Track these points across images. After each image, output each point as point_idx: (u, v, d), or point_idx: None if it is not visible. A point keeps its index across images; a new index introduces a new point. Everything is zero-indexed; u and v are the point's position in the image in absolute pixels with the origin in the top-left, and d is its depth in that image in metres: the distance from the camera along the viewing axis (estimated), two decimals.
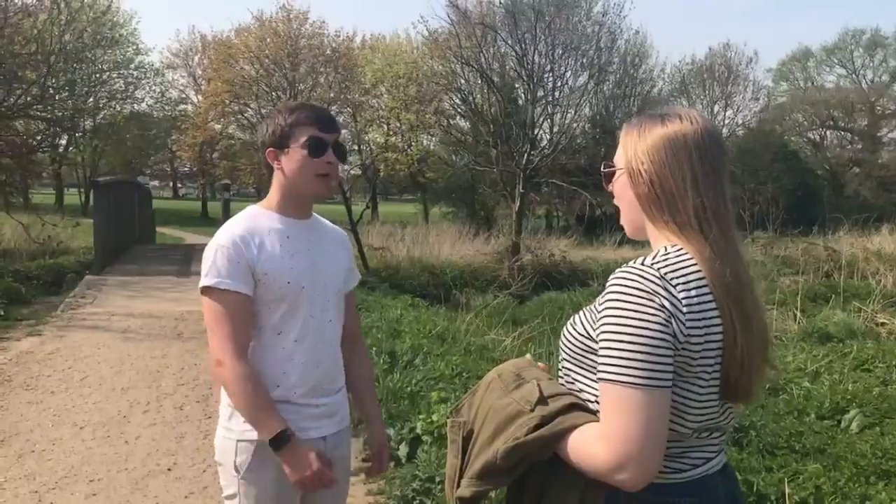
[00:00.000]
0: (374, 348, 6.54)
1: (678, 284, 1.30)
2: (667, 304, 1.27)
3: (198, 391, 5.90)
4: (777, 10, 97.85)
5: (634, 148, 1.44)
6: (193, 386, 6.05)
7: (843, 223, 19.93)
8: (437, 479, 3.80)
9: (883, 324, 9.02)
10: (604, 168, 1.54)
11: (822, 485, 3.72)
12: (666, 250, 1.36)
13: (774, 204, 22.15)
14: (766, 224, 19.50)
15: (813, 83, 44.29)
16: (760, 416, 4.92)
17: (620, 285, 1.30)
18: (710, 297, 1.31)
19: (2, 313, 8.74)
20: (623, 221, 1.52)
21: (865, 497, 3.64)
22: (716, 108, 39.78)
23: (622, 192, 1.49)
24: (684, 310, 1.28)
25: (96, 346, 7.36)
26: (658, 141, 1.41)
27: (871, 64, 42.77)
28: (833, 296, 10.97)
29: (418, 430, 4.48)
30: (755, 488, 3.60)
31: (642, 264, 1.32)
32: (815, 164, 39.47)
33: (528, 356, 1.64)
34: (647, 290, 1.28)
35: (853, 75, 43.26)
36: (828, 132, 42.39)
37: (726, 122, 39.73)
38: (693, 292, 1.30)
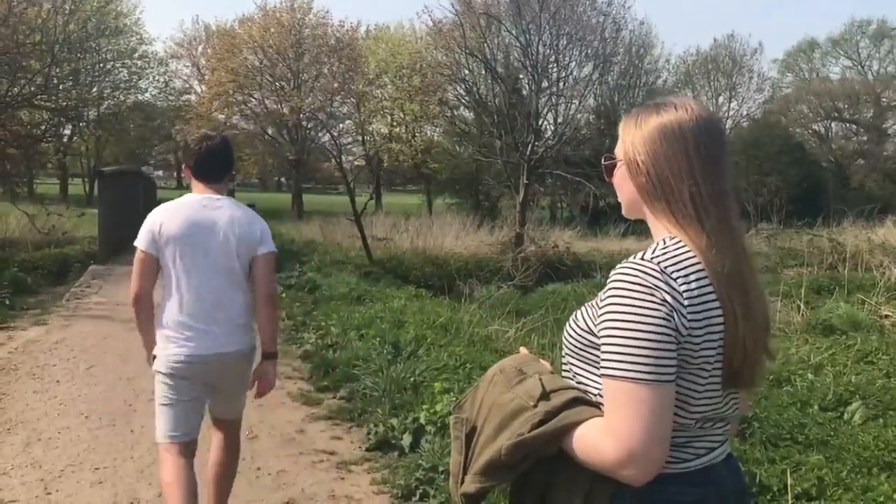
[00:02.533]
0: (378, 338, 6.56)
1: (678, 278, 1.30)
2: (668, 297, 1.28)
3: None
4: (782, 1, 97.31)
5: (632, 139, 1.45)
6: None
7: (847, 215, 19.86)
8: (441, 468, 3.83)
9: (887, 316, 8.99)
10: (604, 160, 1.55)
11: (824, 476, 3.73)
12: (665, 243, 1.37)
13: (779, 196, 22.10)
14: (771, 216, 19.43)
15: (818, 74, 44.06)
16: (763, 408, 4.93)
17: (621, 280, 1.31)
18: (710, 289, 1.32)
19: (7, 303, 8.78)
20: (621, 202, 1.54)
21: (867, 489, 3.65)
22: (720, 99, 39.67)
23: (622, 184, 1.50)
24: (685, 303, 1.29)
25: (102, 336, 7.39)
26: (653, 131, 1.42)
27: (878, 55, 42.45)
28: (837, 288, 10.95)
29: (422, 420, 4.51)
30: (758, 479, 3.61)
31: (642, 259, 1.33)
32: (820, 155, 39.33)
33: (522, 349, 1.65)
34: (649, 284, 1.29)
35: (859, 66, 42.99)
36: (833, 124, 42.19)
37: (731, 113, 39.61)
38: (693, 284, 1.30)
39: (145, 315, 3.05)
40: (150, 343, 3.06)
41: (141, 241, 3.00)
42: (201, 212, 3.01)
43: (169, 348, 2.97)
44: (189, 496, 2.91)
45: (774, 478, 3.65)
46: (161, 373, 2.99)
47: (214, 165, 3.13)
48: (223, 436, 3.26)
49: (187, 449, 3.04)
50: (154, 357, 3.03)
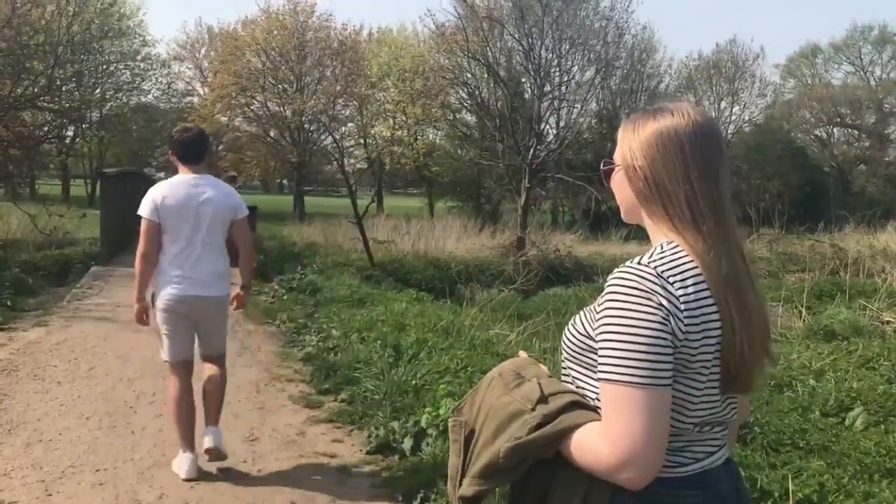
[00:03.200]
0: (379, 341, 6.56)
1: (675, 282, 1.31)
2: (665, 302, 1.28)
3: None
4: (785, 6, 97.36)
5: (629, 144, 1.46)
6: (199, 377, 6.06)
7: (849, 220, 19.87)
8: (442, 472, 3.82)
9: (888, 322, 8.98)
10: (603, 165, 1.56)
11: (825, 482, 3.73)
12: (662, 248, 1.38)
13: (781, 200, 22.12)
14: (773, 221, 19.44)
15: (820, 80, 44.04)
16: (765, 413, 4.92)
17: (618, 285, 1.32)
18: (707, 293, 1.32)
19: (9, 304, 8.77)
20: (620, 206, 1.55)
21: (869, 495, 3.65)
22: (723, 104, 39.65)
23: (620, 188, 1.51)
24: (682, 307, 1.29)
25: (102, 337, 7.39)
26: (650, 136, 1.43)
27: (880, 60, 42.41)
28: (839, 293, 10.94)
29: (423, 424, 4.50)
30: (759, 485, 3.60)
31: (639, 263, 1.34)
32: (822, 160, 39.33)
33: (522, 353, 1.66)
34: (645, 289, 1.29)
35: (861, 72, 42.97)
36: (835, 129, 42.19)
37: (733, 118, 39.62)
38: (690, 289, 1.31)
39: (148, 268, 3.91)
40: (144, 288, 3.96)
41: (146, 212, 3.87)
42: (192, 189, 3.94)
43: (167, 290, 3.91)
44: (188, 409, 4.02)
45: (776, 483, 3.64)
46: (161, 309, 3.94)
47: (195, 151, 4.09)
48: (212, 366, 4.18)
49: (186, 365, 4.08)
50: (144, 300, 4.00)
